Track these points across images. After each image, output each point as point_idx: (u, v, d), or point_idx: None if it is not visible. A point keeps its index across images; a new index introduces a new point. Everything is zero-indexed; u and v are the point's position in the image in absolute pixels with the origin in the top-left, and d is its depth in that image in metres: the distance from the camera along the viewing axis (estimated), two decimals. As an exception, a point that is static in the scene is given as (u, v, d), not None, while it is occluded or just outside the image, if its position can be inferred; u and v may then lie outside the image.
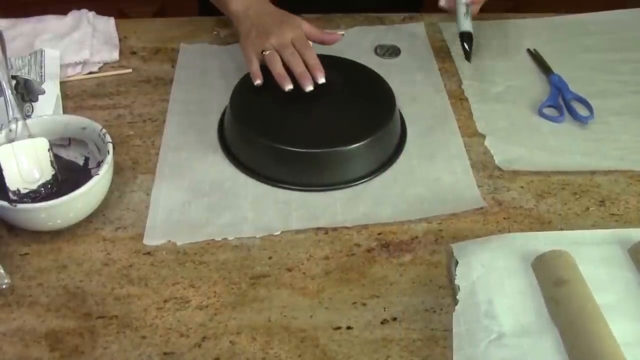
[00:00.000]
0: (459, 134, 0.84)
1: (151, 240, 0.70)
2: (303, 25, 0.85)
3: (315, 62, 0.81)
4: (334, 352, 0.60)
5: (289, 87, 0.80)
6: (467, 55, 0.88)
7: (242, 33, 0.86)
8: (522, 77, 0.94)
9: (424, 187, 0.77)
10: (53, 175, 0.73)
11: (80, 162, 0.77)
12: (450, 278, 0.65)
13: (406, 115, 0.86)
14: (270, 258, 0.69)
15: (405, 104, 0.88)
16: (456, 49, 0.98)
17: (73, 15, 1.00)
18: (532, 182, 0.78)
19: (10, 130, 0.72)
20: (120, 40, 0.99)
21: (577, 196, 0.76)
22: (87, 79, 0.93)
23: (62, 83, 0.90)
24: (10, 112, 0.72)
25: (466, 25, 0.85)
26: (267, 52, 0.82)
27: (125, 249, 0.69)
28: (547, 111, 0.87)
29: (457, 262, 0.64)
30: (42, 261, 0.68)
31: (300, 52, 0.82)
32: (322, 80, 0.80)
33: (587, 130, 0.85)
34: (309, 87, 0.80)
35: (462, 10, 0.83)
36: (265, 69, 0.82)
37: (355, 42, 1.00)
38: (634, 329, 0.58)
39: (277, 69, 0.81)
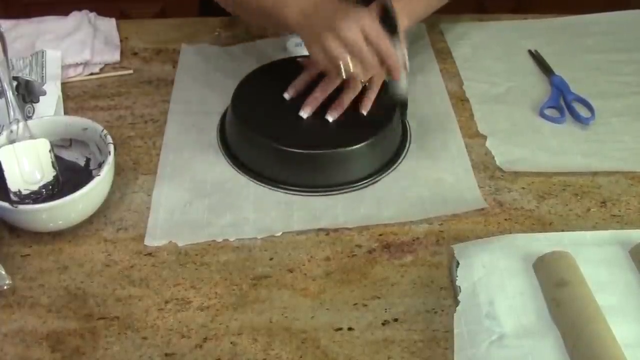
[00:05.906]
0: (460, 135, 0.84)
1: (152, 241, 0.70)
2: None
3: (340, 106, 0.78)
4: (335, 353, 0.60)
5: (287, 96, 0.80)
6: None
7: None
8: (523, 78, 0.94)
9: (425, 188, 0.77)
10: (54, 176, 0.73)
11: (82, 163, 0.77)
12: (452, 279, 0.65)
13: (407, 116, 0.86)
14: (271, 259, 0.69)
15: (406, 104, 0.88)
16: (457, 50, 0.98)
17: (74, 16, 1.00)
18: (533, 183, 0.78)
19: (12, 131, 0.72)
20: (121, 41, 0.99)
21: (578, 197, 0.76)
22: (88, 80, 0.93)
23: (63, 84, 0.90)
24: (12, 113, 0.72)
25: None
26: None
27: (126, 250, 0.69)
28: (548, 112, 0.87)
29: (458, 263, 0.64)
30: (43, 262, 0.68)
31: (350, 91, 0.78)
32: (329, 119, 0.77)
33: (589, 131, 0.85)
34: (304, 114, 0.78)
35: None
36: (270, 71, 0.82)
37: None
38: (635, 329, 0.58)
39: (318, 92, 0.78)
